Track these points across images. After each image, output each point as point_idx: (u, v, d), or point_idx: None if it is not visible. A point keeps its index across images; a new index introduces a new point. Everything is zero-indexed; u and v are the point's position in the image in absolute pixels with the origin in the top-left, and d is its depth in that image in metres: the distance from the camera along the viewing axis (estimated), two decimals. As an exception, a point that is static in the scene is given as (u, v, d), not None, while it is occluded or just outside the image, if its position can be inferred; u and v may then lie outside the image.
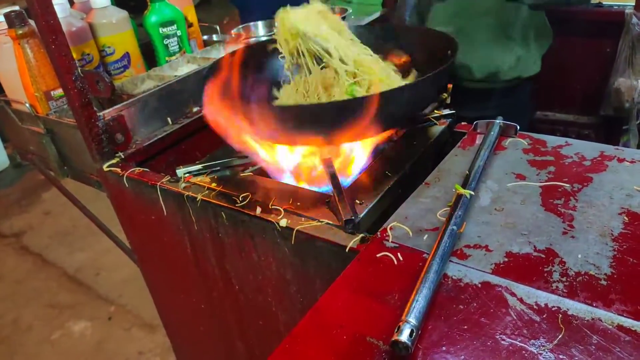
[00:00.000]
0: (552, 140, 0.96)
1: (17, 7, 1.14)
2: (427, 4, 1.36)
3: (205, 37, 1.60)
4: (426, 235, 0.76)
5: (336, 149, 1.00)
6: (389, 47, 1.13)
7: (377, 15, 1.92)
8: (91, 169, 1.17)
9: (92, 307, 2.48)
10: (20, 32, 1.12)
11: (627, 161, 0.87)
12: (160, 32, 1.38)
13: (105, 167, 1.10)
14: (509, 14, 1.31)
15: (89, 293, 2.59)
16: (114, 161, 1.11)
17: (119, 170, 1.08)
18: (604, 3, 1.70)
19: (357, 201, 0.86)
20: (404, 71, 1.09)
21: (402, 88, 0.91)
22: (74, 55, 1.06)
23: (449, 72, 0.97)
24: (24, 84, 1.18)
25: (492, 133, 0.95)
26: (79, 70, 1.01)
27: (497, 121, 0.98)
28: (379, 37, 1.14)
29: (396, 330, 0.57)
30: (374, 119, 0.84)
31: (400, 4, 1.16)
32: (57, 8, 0.99)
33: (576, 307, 0.61)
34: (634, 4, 1.59)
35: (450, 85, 1.48)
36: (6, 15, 1.11)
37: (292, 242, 0.84)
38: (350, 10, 1.76)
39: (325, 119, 0.87)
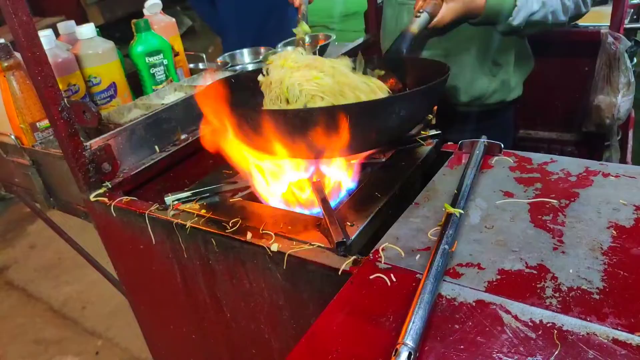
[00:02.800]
0: (537, 158, 0.97)
1: (2, 40, 1.14)
2: (425, 37, 1.41)
3: (191, 65, 1.61)
4: (418, 255, 0.76)
5: (322, 172, 1.01)
6: (389, 75, 1.17)
7: (360, 41, 1.96)
8: (78, 199, 1.15)
9: (79, 341, 2.42)
10: (6, 64, 1.12)
11: (612, 176, 0.89)
12: (147, 61, 1.38)
13: (92, 197, 1.08)
14: (491, 40, 1.35)
15: (76, 327, 2.52)
16: (101, 191, 1.10)
17: (106, 199, 1.07)
18: (579, 24, 1.75)
19: (348, 223, 0.86)
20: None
21: (384, 100, 0.93)
22: (60, 86, 1.07)
23: (440, 93, 1.00)
24: (9, 116, 1.17)
25: (477, 152, 0.97)
26: (65, 101, 1.01)
27: (482, 140, 1.00)
28: (374, 66, 1.17)
29: (394, 353, 0.56)
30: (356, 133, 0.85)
31: (399, 38, 1.22)
32: (43, 40, 1.00)
33: (571, 323, 0.61)
34: (608, 24, 1.65)
35: (435, 108, 1.51)
36: (-9, 48, 1.11)
37: (284, 267, 0.83)
38: (334, 37, 1.79)
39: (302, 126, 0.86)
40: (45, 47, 1.02)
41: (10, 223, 3.55)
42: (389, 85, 1.12)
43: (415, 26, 1.22)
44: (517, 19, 1.23)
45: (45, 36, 1.20)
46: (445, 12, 1.22)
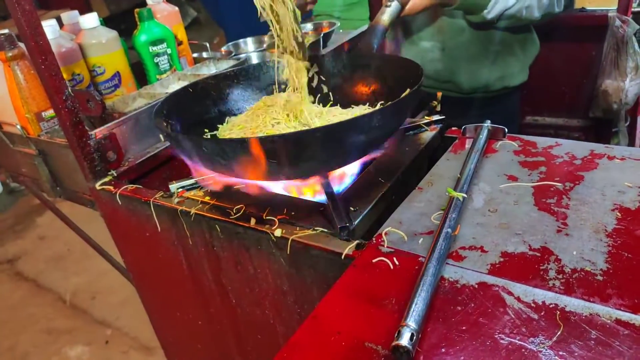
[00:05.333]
0: (542, 141, 0.97)
1: (6, 30, 1.15)
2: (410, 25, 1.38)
3: (195, 54, 1.61)
4: (421, 239, 0.76)
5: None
6: (358, 74, 1.13)
7: (364, 28, 1.95)
8: (84, 188, 1.16)
9: (89, 331, 2.45)
10: (10, 54, 1.12)
11: (617, 158, 0.88)
12: (150, 50, 1.38)
13: (97, 186, 1.09)
14: (488, 29, 1.33)
15: (85, 317, 2.55)
16: (106, 179, 1.10)
17: (111, 188, 1.08)
18: (587, 8, 1.73)
19: (352, 208, 0.86)
20: (372, 99, 1.10)
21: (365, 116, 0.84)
22: (65, 76, 1.07)
23: (421, 96, 0.96)
24: (15, 106, 1.18)
25: (480, 136, 0.96)
26: (69, 90, 1.01)
27: (485, 124, 0.99)
28: (348, 63, 1.14)
29: (396, 334, 0.56)
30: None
31: (369, 32, 1.16)
32: (46, 30, 1.00)
33: (574, 304, 0.61)
34: (616, 7, 1.62)
35: (439, 94, 1.50)
36: (-5, 39, 1.12)
37: (288, 252, 0.84)
38: (338, 24, 1.78)
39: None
40: (49, 36, 1.02)
41: (19, 215, 3.59)
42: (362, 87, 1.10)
43: (386, 17, 1.14)
44: (492, 12, 1.19)
45: (49, 26, 1.20)
46: (418, 0, 1.15)
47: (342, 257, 0.77)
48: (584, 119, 1.82)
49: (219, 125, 1.11)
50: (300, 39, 0.96)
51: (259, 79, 1.19)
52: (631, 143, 1.83)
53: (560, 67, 1.74)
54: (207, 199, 0.97)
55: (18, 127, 1.19)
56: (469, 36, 1.34)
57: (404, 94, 0.87)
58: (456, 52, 1.37)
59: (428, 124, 1.10)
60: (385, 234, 0.78)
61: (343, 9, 2.51)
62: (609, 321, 0.58)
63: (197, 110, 1.11)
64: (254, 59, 1.63)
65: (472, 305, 0.63)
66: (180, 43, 1.51)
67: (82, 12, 1.42)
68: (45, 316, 2.60)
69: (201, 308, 1.15)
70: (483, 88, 1.41)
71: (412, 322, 0.57)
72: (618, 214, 0.75)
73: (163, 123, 0.91)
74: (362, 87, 1.14)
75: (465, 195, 0.80)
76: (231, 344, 1.15)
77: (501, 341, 0.57)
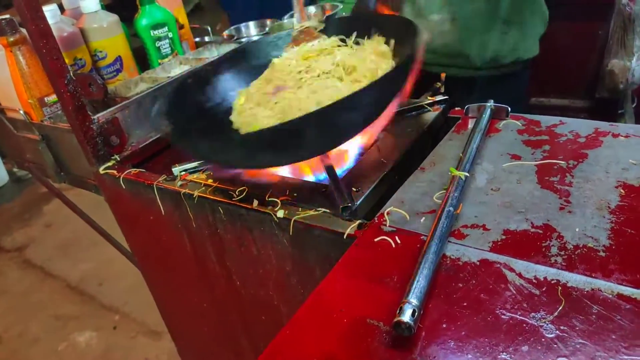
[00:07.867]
0: (546, 120, 0.96)
1: (7, 16, 1.15)
2: None
3: (197, 38, 1.60)
4: (423, 218, 0.76)
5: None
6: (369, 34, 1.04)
7: (367, 10, 1.92)
8: (88, 173, 1.17)
9: (97, 317, 2.48)
10: (12, 39, 1.12)
11: (622, 136, 0.87)
12: (152, 34, 1.38)
13: (101, 170, 1.10)
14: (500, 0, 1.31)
15: (93, 303, 2.58)
16: (110, 164, 1.11)
17: (115, 172, 1.08)
18: (593, -14, 1.70)
19: (354, 189, 0.86)
20: None
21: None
22: (67, 61, 1.07)
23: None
24: (18, 91, 1.18)
25: (483, 116, 0.95)
26: (71, 74, 1.01)
27: (488, 104, 0.98)
28: (335, 28, 1.06)
29: (398, 311, 0.57)
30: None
31: None
32: (47, 14, 1.00)
33: (575, 279, 0.61)
34: (623, -15, 1.60)
35: (443, 75, 1.48)
36: (-3, 24, 1.12)
37: (290, 233, 0.84)
38: (341, 6, 1.76)
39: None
40: (50, 21, 1.02)
41: (26, 203, 3.62)
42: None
43: None
44: None
45: (49, 10, 1.20)
46: None
47: (344, 236, 0.77)
48: (590, 99, 1.80)
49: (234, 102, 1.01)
50: None
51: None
52: (638, 124, 1.81)
53: (565, 47, 1.72)
54: (209, 181, 0.97)
55: (21, 112, 1.19)
56: (480, 4, 1.32)
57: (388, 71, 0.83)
58: (468, 24, 1.35)
59: (431, 105, 1.09)
60: (387, 213, 0.78)
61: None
62: (610, 296, 0.58)
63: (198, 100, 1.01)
64: (256, 43, 1.62)
65: (474, 282, 0.63)
66: (181, 27, 1.50)
67: (84, -1, 1.41)
68: (54, 303, 2.63)
69: (206, 290, 1.16)
70: (494, 61, 1.39)
71: (413, 298, 0.58)
72: (622, 190, 0.74)
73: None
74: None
75: (467, 174, 0.80)
76: (237, 325, 1.16)
77: (502, 316, 0.57)
